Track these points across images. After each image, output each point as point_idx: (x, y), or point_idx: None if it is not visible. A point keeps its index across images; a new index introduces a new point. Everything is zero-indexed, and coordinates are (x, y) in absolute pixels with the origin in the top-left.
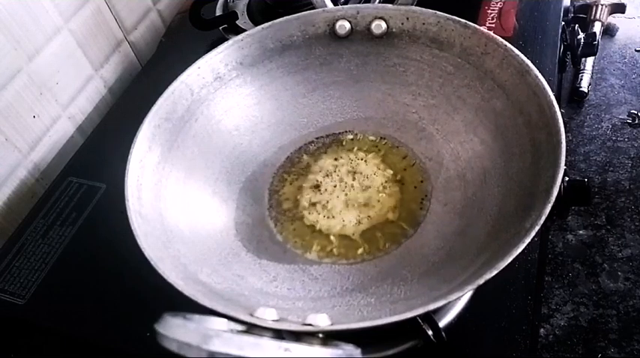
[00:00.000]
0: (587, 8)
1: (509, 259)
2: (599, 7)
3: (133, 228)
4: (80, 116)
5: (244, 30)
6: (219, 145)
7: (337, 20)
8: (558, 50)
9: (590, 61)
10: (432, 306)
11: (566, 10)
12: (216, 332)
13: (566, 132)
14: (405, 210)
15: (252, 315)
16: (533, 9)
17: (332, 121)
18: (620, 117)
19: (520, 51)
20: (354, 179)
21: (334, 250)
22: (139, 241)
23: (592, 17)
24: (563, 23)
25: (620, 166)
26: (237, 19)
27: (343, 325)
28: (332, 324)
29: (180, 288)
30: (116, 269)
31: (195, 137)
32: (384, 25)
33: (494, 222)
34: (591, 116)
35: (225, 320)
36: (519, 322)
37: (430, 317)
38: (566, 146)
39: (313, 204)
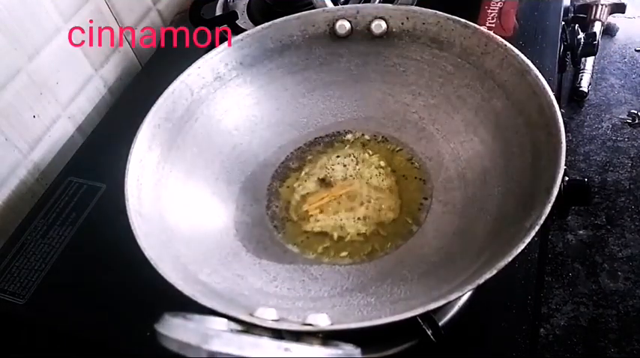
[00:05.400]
0: (587, 8)
1: (509, 259)
2: (599, 7)
3: (133, 228)
4: (80, 116)
5: (244, 30)
6: (219, 145)
7: (337, 20)
8: (558, 50)
9: (590, 61)
10: (432, 306)
11: (566, 10)
12: (216, 332)
13: (566, 132)
14: (405, 209)
15: (252, 315)
16: (533, 9)
17: (332, 121)
18: (620, 117)
19: (520, 51)
20: (353, 179)
21: (334, 250)
22: (139, 241)
23: (592, 17)
24: (563, 23)
25: (620, 166)
26: (237, 18)
27: (343, 325)
28: (332, 324)
29: (180, 288)
30: (116, 269)
31: (195, 137)
32: (384, 24)
33: (495, 222)
34: (591, 116)
35: (225, 320)
36: (519, 322)
37: (430, 317)
38: (566, 146)
39: (313, 204)
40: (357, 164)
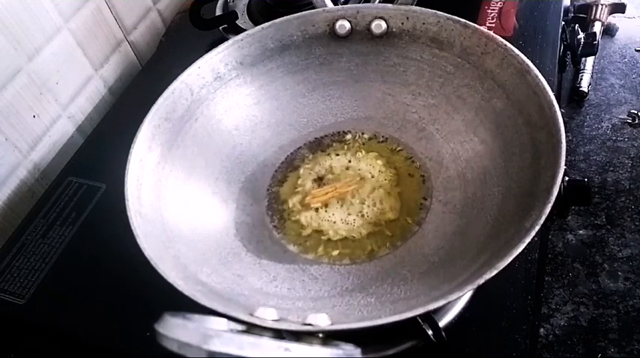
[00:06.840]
0: (587, 8)
1: (509, 259)
2: (599, 7)
3: (133, 228)
4: (80, 116)
5: (244, 30)
6: (219, 145)
7: (337, 20)
8: (558, 50)
9: (590, 60)
10: (432, 306)
11: (566, 10)
12: (216, 332)
13: (566, 132)
14: (405, 209)
15: (252, 315)
16: (533, 9)
17: (332, 121)
18: (620, 117)
19: (520, 51)
20: (353, 178)
21: (334, 250)
22: (139, 241)
23: (592, 17)
24: (563, 23)
25: (620, 166)
26: (237, 18)
27: (343, 325)
28: (332, 324)
29: (180, 288)
30: (116, 269)
31: (195, 137)
32: (384, 24)
33: (495, 222)
34: (591, 116)
35: (225, 320)
36: (519, 322)
37: (430, 317)
38: (566, 146)
39: (317, 198)
40: (357, 164)
